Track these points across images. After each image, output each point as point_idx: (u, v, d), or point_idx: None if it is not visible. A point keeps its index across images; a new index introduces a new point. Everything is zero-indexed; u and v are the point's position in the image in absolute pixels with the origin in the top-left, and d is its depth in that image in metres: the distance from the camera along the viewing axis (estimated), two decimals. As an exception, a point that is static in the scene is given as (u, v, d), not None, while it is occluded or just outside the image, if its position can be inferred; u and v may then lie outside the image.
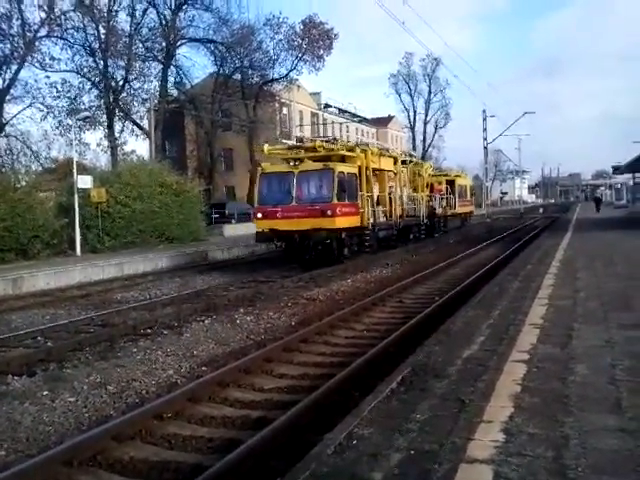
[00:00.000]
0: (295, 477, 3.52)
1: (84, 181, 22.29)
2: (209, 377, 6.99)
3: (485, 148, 46.80)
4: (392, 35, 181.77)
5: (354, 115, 75.54)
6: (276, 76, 48.35)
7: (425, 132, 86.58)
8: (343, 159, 19.21)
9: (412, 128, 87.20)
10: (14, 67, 34.45)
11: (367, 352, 7.65)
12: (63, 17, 35.55)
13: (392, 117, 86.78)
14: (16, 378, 7.53)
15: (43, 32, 35.37)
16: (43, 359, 8.38)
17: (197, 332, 9.86)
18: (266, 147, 20.19)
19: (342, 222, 17.73)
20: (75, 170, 22.39)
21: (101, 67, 38.03)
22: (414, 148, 78.05)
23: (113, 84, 38.90)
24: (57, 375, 7.64)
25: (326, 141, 20.08)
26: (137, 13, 39.46)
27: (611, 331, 6.62)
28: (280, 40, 46.53)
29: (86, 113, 35.76)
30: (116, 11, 38.33)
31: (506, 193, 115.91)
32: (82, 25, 36.79)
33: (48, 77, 36.42)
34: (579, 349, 5.92)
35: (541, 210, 68.68)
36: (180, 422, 5.91)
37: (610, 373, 5.12)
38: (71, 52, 37.71)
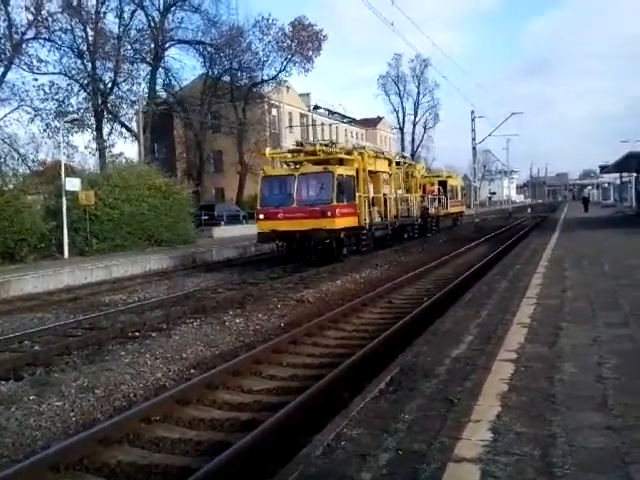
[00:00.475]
0: (284, 479, 3.50)
1: (72, 184, 22.15)
2: (198, 379, 6.95)
3: (474, 148, 46.90)
4: (381, 37, 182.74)
5: (343, 116, 75.66)
6: (265, 77, 48.42)
7: (414, 133, 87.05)
8: (341, 162, 19.84)
9: (401, 129, 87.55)
10: (1, 69, 34.23)
11: (356, 353, 7.65)
12: (50, 19, 35.39)
13: (381, 118, 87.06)
14: (3, 382, 7.46)
15: (30, 34, 35.22)
16: (30, 363, 8.31)
17: (186, 334, 9.81)
18: (268, 151, 21.02)
19: (341, 223, 18.34)
20: (63, 173, 22.25)
21: (89, 69, 37.86)
22: (403, 149, 78.38)
23: (101, 86, 38.74)
24: (44, 379, 7.57)
25: (325, 145, 20.76)
26: (125, 15, 39.42)
27: (598, 330, 6.66)
28: (269, 42, 46.61)
29: (74, 115, 35.52)
30: (104, 13, 38.27)
31: (494, 193, 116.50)
32: (70, 27, 36.66)
33: (36, 79, 36.14)
34: (566, 348, 5.94)
35: (529, 210, 69.14)
36: (168, 425, 5.87)
37: (597, 371, 5.14)
38: (59, 54, 37.64)
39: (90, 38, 37.29)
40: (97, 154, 39.54)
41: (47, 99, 36.64)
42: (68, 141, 36.48)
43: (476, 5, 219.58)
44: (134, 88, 39.89)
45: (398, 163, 25.85)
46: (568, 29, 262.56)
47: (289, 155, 20.64)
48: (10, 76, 35.25)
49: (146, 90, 40.96)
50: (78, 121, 36.70)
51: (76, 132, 38.31)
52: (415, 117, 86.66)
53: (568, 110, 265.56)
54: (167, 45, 42.16)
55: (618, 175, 51.36)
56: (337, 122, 70.90)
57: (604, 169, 54.01)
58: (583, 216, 40.04)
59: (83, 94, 38.64)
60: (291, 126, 58.16)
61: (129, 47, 40.02)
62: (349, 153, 20.75)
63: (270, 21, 45.82)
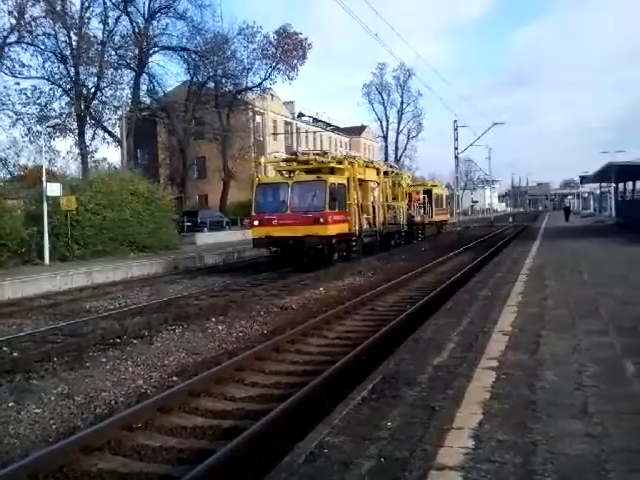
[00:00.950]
0: (266, 487, 3.48)
1: (53, 189, 21.92)
2: (180, 387, 6.90)
3: (456, 158, 47.34)
4: (366, 47, 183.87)
5: (327, 124, 75.90)
6: (250, 85, 48.39)
7: (397, 141, 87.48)
8: (332, 171, 20.57)
9: (385, 137, 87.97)
10: (-18, 73, 33.82)
11: (339, 360, 7.65)
12: (34, 23, 35.04)
13: (365, 127, 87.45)
14: (-20, 390, 7.33)
15: (13, 38, 34.82)
16: (9, 370, 8.17)
17: (167, 341, 9.74)
18: (263, 159, 22.17)
19: (333, 229, 19.05)
20: (44, 178, 21.99)
21: (72, 74, 37.54)
22: (386, 157, 78.76)
23: (84, 91, 38.44)
24: (23, 386, 7.46)
25: (317, 154, 21.67)
26: (109, 20, 39.13)
27: (578, 338, 6.73)
28: (254, 49, 46.64)
29: (56, 120, 35.24)
30: (88, 18, 37.98)
31: (477, 202, 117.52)
32: (53, 32, 36.33)
33: (18, 84, 35.72)
34: (547, 356, 6.00)
35: (511, 219, 69.78)
36: (150, 433, 5.82)
37: (577, 379, 5.19)
38: (42, 59, 37.17)
39: (74, 43, 37.01)
40: (79, 159, 39.23)
41: (29, 103, 36.26)
42: (50, 146, 36.21)
43: (459, 17, 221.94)
44: (117, 94, 39.66)
45: (386, 172, 26.72)
46: (550, 42, 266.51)
47: (283, 164, 21.43)
48: (-8, 80, 34.88)
49: (130, 96, 40.73)
50: (60, 126, 36.40)
51: (58, 137, 38.04)
52: (399, 126, 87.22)
53: (550, 121, 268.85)
54: (151, 51, 41.95)
55: (598, 185, 52.11)
56: (321, 130, 71.09)
57: (584, 179, 54.69)
58: (564, 225, 40.52)
59: (66, 99, 38.32)
60: (275, 133, 58.24)
61: (113, 53, 39.82)
62: (340, 162, 21.52)
63: (255, 29, 45.93)
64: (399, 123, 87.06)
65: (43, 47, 36.45)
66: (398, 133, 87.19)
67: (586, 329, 7.14)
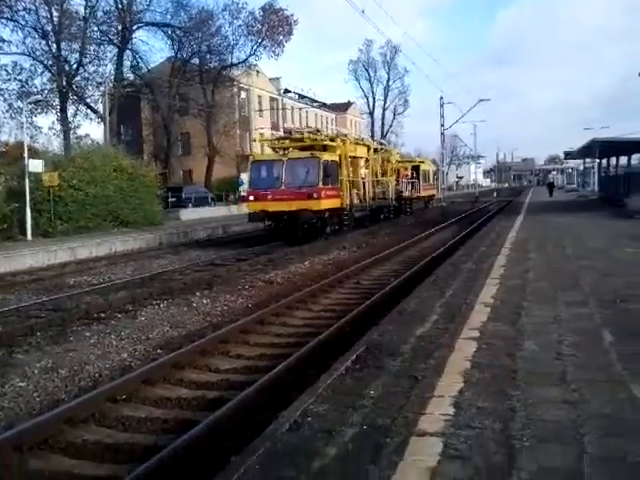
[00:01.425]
0: (250, 454, 3.50)
1: (35, 165, 21.61)
2: (164, 359, 6.90)
3: (442, 134, 47.37)
4: (352, 23, 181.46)
5: (313, 100, 75.27)
6: (235, 61, 47.76)
7: (384, 118, 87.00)
8: (325, 148, 21.17)
9: (371, 114, 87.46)
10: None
11: (323, 332, 7.68)
12: (13, -2, 34.13)
13: (351, 103, 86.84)
14: (-37, 364, 7.28)
15: (-8, 13, 33.91)
16: (-8, 345, 8.12)
17: (152, 316, 9.73)
18: (258, 136, 23.23)
19: (326, 204, 19.75)
20: (26, 154, 21.67)
21: (54, 50, 36.72)
22: (372, 134, 78.43)
23: (67, 67, 37.66)
24: (7, 360, 7.42)
25: (310, 132, 22.25)
26: (92, -5, 38.18)
27: (559, 309, 6.81)
28: (239, 25, 45.98)
29: (38, 97, 34.56)
30: (70, -7, 37.03)
31: (462, 177, 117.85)
32: (34, 7, 35.42)
33: (-2, 59, 34.95)
34: (528, 326, 6.06)
35: (495, 194, 70.03)
36: (134, 404, 5.82)
37: (557, 348, 5.26)
38: (22, 34, 36.38)
39: (55, 19, 36.12)
40: (62, 136, 38.59)
41: (10, 79, 35.54)
42: (31, 122, 35.52)
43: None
44: (100, 69, 38.93)
45: (376, 149, 27.46)
46: (535, 19, 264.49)
47: (276, 141, 22.31)
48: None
49: (113, 72, 39.98)
50: (42, 102, 35.70)
51: (40, 113, 37.31)
52: (385, 103, 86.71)
53: (535, 99, 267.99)
54: (135, 27, 41.13)
55: (582, 161, 52.40)
56: (307, 106, 70.54)
57: (568, 155, 55.00)
58: (547, 200, 40.76)
59: (47, 75, 37.54)
60: (261, 110, 57.65)
61: (95, 28, 38.99)
62: (333, 140, 22.09)
63: (240, 5, 45.24)
64: (385, 100, 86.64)
65: (24, 22, 35.59)
66: (384, 110, 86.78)
67: (567, 301, 7.22)
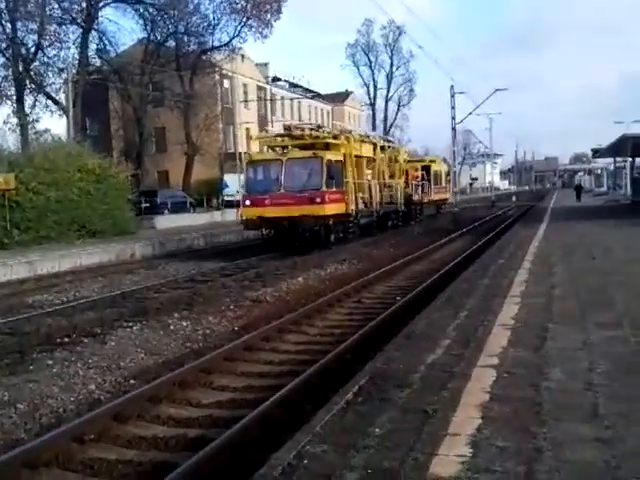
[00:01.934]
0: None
1: (-12, 165, 21.61)
2: (138, 392, 6.90)
3: (453, 129, 47.51)
4: (350, 1, 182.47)
5: (307, 90, 75.66)
6: (216, 44, 48.03)
7: (387, 110, 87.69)
8: (327, 146, 21.58)
9: (372, 105, 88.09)
10: None
11: (320, 360, 7.70)
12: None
13: (350, 93, 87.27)
14: None
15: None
16: (-61, 375, 8.09)
17: (124, 340, 9.72)
18: (255, 135, 23.38)
19: (330, 209, 20.20)
20: (-23, 152, 21.66)
21: (8, 31, 36.84)
22: (374, 128, 78.88)
23: (23, 51, 37.76)
24: (-44, 393, 7.40)
25: (312, 129, 22.61)
26: (51, -32, 38.37)
27: (589, 331, 6.85)
28: (221, 2, 46.22)
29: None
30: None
31: (476, 179, 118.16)
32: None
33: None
34: (554, 352, 6.10)
35: (514, 198, 70.33)
36: (104, 445, 5.82)
37: (587, 378, 5.29)
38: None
39: (9, -6, 36.31)
40: (18, 130, 38.58)
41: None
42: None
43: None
44: (62, 54, 39.14)
45: (382, 147, 27.66)
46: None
47: (274, 139, 22.91)
48: None
49: (76, 56, 40.20)
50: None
51: (-7, 105, 37.37)
52: (388, 92, 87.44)
53: (557, 86, 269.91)
54: (101, 4, 41.33)
55: (612, 160, 52.63)
56: (299, 96, 70.85)
57: (597, 153, 55.18)
58: (574, 205, 40.98)
59: (1, 60, 37.66)
60: (246, 100, 57.82)
61: (56, 6, 39.10)
62: (336, 137, 22.56)
63: (222, -22, 45.44)
64: (388, 89, 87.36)
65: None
66: (387, 100, 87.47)
67: (597, 322, 7.26)
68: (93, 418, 6.15)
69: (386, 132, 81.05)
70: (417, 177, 34.54)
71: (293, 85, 73.53)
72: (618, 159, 50.70)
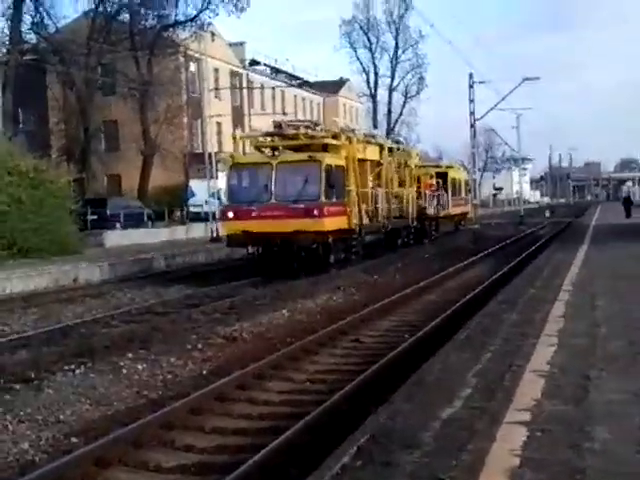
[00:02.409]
0: None
1: None
2: (82, 452, 6.87)
3: (472, 126, 47.92)
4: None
5: (292, 77, 75.96)
6: (180, 18, 48.29)
7: (390, 103, 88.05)
8: (326, 148, 22.03)
9: (373, 96, 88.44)
10: None
11: (310, 412, 7.70)
12: None
13: (345, 81, 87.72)
14: None
15: None
16: None
17: (64, 387, 9.67)
18: (238, 134, 24.07)
19: (330, 224, 20.65)
20: None
21: None
22: (375, 124, 79.19)
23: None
24: None
25: (306, 126, 23.04)
26: None
27: (641, 380, 6.89)
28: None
29: None
30: None
31: (501, 189, 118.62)
32: None
33: None
34: (598, 406, 6.12)
35: (548, 213, 70.72)
36: (40, 518, 5.79)
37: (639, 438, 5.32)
38: None
39: None
40: None
41: None
42: None
43: None
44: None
45: (390, 149, 28.02)
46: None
47: (262, 139, 23.23)
48: None
49: (6, 31, 40.22)
50: None
51: None
52: (392, 80, 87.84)
53: (600, 76, 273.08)
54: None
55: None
56: (283, 84, 71.13)
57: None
58: (621, 223, 41.14)
59: None
60: (217, 88, 58.03)
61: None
62: (336, 137, 22.83)
63: None
64: (392, 76, 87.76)
65: None
66: (391, 90, 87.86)
67: (652, 368, 7.32)
68: (26, 485, 6.12)
69: (390, 129, 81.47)
70: (431, 186, 34.84)
71: (275, 70, 73.91)
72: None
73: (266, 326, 14.01)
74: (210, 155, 40.40)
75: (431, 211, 33.68)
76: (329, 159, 20.98)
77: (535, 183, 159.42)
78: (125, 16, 46.63)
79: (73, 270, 22.57)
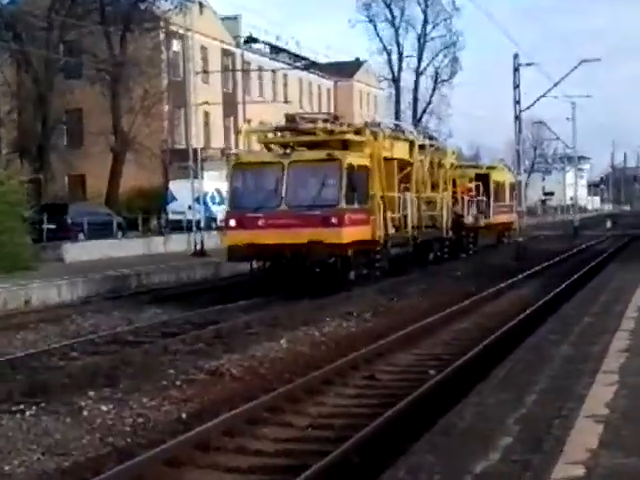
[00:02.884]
0: None
1: None
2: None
3: (517, 118, 47.78)
4: None
5: (296, 57, 76.23)
6: (161, -14, 48.41)
7: (417, 89, 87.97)
8: (346, 145, 22.76)
9: (395, 81, 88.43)
10: None
11: (311, 466, 7.64)
12: None
13: (362, 63, 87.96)
14: None
15: None
16: None
17: (12, 433, 9.65)
18: (244, 127, 25.02)
19: (351, 235, 21.15)
20: None
21: None
22: (397, 115, 79.31)
23: None
24: None
25: (324, 120, 23.49)
26: None
27: None
28: None
29: None
30: None
31: (552, 194, 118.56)
32: None
33: None
34: (669, 459, 6.07)
35: (609, 224, 70.62)
36: None
37: None
38: None
39: None
40: None
41: None
42: None
43: None
44: None
45: (422, 147, 28.52)
46: None
47: (272, 134, 23.87)
48: None
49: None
50: None
51: None
52: (419, 62, 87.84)
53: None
54: None
55: None
56: (286, 66, 71.32)
57: None
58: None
59: None
60: (206, 71, 58.21)
61: None
62: (358, 132, 23.52)
63: None
64: (420, 57, 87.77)
65: None
66: (418, 74, 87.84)
67: None
68: None
69: (416, 121, 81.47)
70: (470, 190, 35.33)
71: (276, 49, 74.19)
72: None
73: (260, 359, 13.99)
74: (195, 151, 40.33)
75: (469, 220, 34.05)
76: (351, 158, 21.25)
77: (594, 187, 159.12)
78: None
79: (25, 290, 22.56)
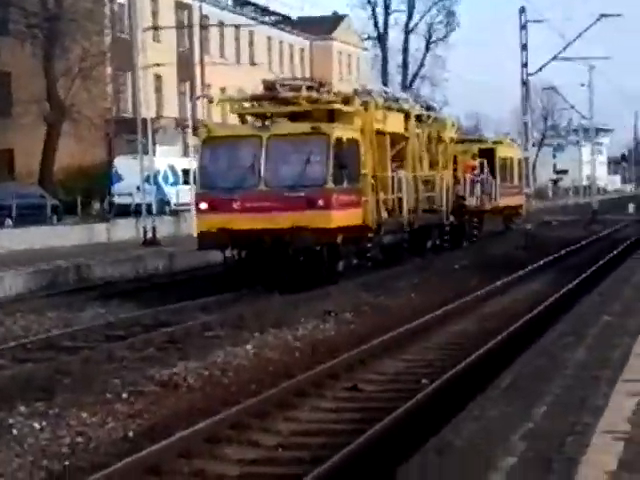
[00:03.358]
0: None
1: None
2: None
3: (525, 84, 47.88)
4: None
5: (265, 11, 76.08)
6: None
7: (407, 49, 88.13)
8: (332, 116, 22.68)
9: (381, 40, 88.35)
10: None
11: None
12: None
13: (342, 17, 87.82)
14: None
15: None
16: None
17: None
18: (217, 96, 25.37)
19: (340, 219, 21.62)
20: None
21: None
22: (385, 80, 79.27)
23: None
24: None
25: (308, 87, 23.65)
26: None
27: None
28: None
29: None
30: None
31: (565, 172, 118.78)
32: None
33: None
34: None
35: (631, 208, 70.86)
36: None
37: None
38: None
39: None
40: None
41: None
42: None
43: None
44: None
45: (419, 118, 28.94)
46: None
47: (248, 104, 23.97)
48: None
49: None
50: None
51: None
52: (409, 18, 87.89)
53: None
54: None
55: None
56: (252, 22, 71.16)
57: None
58: None
59: None
60: (157, 27, 58.00)
61: None
62: (347, 102, 23.59)
63: None
64: (410, 12, 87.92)
65: None
66: (408, 32, 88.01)
67: None
68: None
69: (407, 87, 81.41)
70: (473, 168, 35.67)
71: (240, 2, 73.93)
72: None
73: (221, 367, 13.98)
74: (145, 122, 40.25)
75: (472, 203, 34.47)
76: (339, 131, 21.45)
77: (614, 164, 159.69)
78: None
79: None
